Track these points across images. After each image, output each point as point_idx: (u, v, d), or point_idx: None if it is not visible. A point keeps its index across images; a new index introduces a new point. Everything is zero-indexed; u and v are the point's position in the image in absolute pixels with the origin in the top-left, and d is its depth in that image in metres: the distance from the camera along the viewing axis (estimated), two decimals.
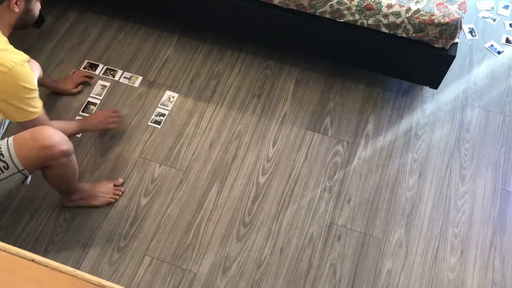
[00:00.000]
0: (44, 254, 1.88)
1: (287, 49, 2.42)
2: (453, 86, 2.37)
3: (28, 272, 0.97)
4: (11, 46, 1.39)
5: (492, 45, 2.53)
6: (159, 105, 2.26)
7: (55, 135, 1.59)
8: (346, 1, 1.96)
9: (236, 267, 1.88)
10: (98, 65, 2.38)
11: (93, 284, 0.97)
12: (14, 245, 1.54)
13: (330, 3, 1.99)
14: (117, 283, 1.81)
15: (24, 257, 0.99)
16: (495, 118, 2.28)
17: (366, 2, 1.95)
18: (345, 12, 2.00)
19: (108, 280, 1.69)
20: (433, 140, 2.21)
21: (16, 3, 1.36)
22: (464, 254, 1.93)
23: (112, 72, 2.37)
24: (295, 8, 2.07)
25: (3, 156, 1.54)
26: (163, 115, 2.22)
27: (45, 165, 1.63)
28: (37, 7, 1.46)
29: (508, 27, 2.60)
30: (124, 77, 2.35)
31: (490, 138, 2.22)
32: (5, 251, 1.00)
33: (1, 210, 1.99)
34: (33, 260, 0.98)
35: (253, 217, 1.98)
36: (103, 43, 2.46)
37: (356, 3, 1.96)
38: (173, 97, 2.28)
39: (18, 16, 1.40)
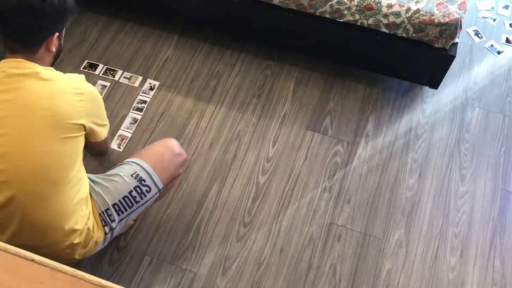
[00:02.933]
0: None
1: (287, 49, 2.42)
2: (453, 86, 2.37)
3: (28, 272, 0.97)
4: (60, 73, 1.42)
5: (492, 45, 2.53)
6: (140, 93, 2.26)
7: (178, 144, 1.73)
8: (346, 1, 1.96)
9: (236, 267, 1.88)
10: (98, 65, 2.38)
11: (93, 284, 0.97)
12: (14, 245, 1.54)
13: (330, 3, 1.99)
14: (117, 283, 1.81)
15: (24, 257, 0.99)
16: (495, 118, 2.28)
17: (366, 2, 1.95)
18: (345, 12, 2.00)
19: (108, 280, 1.69)
20: (433, 140, 2.21)
21: (53, 44, 1.39)
22: (464, 254, 1.93)
23: (112, 72, 2.37)
24: (295, 8, 2.07)
25: (144, 181, 1.58)
26: (144, 102, 2.24)
27: (174, 176, 1.69)
28: (63, 40, 1.50)
29: (508, 27, 2.60)
30: (124, 77, 2.35)
31: (490, 138, 2.22)
32: (5, 251, 1.00)
33: None
34: (33, 260, 0.98)
35: (253, 217, 1.98)
36: (103, 43, 2.46)
37: (356, 3, 1.96)
38: (155, 85, 2.29)
39: (54, 55, 1.43)
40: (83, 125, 1.39)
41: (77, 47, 2.45)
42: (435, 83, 2.19)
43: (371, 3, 1.95)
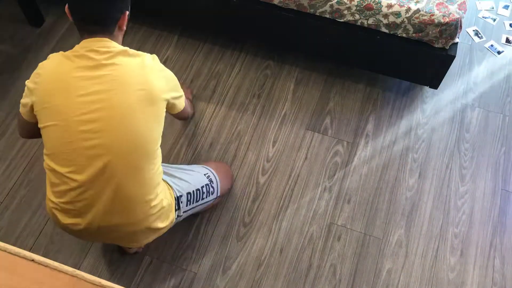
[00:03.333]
0: (44, 254, 1.88)
1: (287, 49, 2.42)
2: (453, 86, 2.37)
3: (28, 272, 0.98)
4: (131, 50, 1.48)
5: (492, 45, 2.53)
6: None
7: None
8: (346, 1, 1.96)
9: (236, 267, 1.88)
10: None
11: (93, 284, 0.97)
12: (14, 245, 1.54)
13: (330, 3, 1.99)
14: (117, 283, 1.81)
15: (24, 257, 0.99)
16: (495, 118, 2.28)
17: (366, 2, 1.95)
18: (345, 12, 2.00)
19: (108, 280, 1.68)
20: (433, 140, 2.21)
21: (124, 23, 1.45)
22: (464, 254, 1.93)
23: None
24: (295, 8, 2.07)
25: (212, 183, 1.77)
26: None
27: (221, 194, 1.85)
28: None
29: (508, 27, 2.60)
30: None
31: (490, 138, 2.22)
32: (5, 251, 1.00)
33: (1, 210, 1.99)
34: (33, 260, 0.98)
35: (253, 217, 1.98)
36: None
37: (356, 3, 1.96)
38: None
39: (123, 33, 1.50)
40: (167, 100, 1.47)
41: None
42: (435, 83, 2.19)
43: (371, 3, 1.95)
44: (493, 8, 2.67)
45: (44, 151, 1.42)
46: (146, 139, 1.40)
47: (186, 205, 1.64)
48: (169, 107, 1.53)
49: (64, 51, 1.44)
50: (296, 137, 2.19)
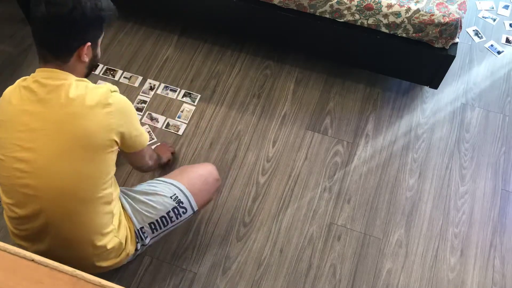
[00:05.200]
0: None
1: (287, 49, 2.42)
2: (453, 86, 2.37)
3: (28, 272, 0.98)
4: (91, 83, 1.38)
5: (492, 45, 2.53)
6: (140, 93, 2.26)
7: (217, 170, 1.79)
8: (346, 1, 1.96)
9: (236, 267, 1.88)
10: (98, 65, 2.38)
11: (93, 284, 0.97)
12: (14, 245, 1.54)
13: (330, 3, 1.99)
14: (117, 283, 1.81)
15: (24, 257, 0.99)
16: (495, 118, 2.28)
17: (366, 2, 1.95)
18: (345, 12, 2.00)
19: (108, 280, 1.69)
20: (433, 140, 2.21)
21: (85, 54, 1.35)
22: (464, 254, 1.93)
23: (112, 72, 2.37)
24: (295, 8, 2.07)
25: (182, 203, 1.62)
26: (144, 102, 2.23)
27: (209, 199, 1.75)
28: (99, 50, 1.45)
29: (508, 27, 2.60)
30: (124, 77, 2.35)
31: (490, 138, 2.22)
32: (5, 251, 1.00)
33: (1, 210, 1.98)
34: (33, 260, 0.98)
35: (253, 217, 1.98)
36: (103, 43, 2.46)
37: (356, 3, 1.96)
38: (155, 85, 2.29)
39: (87, 65, 1.40)
40: (114, 139, 1.34)
41: None
42: (435, 83, 2.19)
43: (371, 3, 1.95)
44: (493, 8, 2.67)
45: None
46: (78, 186, 1.31)
47: (153, 232, 1.58)
48: (121, 145, 1.40)
49: None
50: (296, 137, 2.19)
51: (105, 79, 2.33)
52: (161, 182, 1.65)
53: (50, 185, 1.30)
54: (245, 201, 2.02)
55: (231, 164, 2.11)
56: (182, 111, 2.24)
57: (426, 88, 2.35)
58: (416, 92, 2.35)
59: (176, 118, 2.22)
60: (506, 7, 2.67)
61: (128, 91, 2.30)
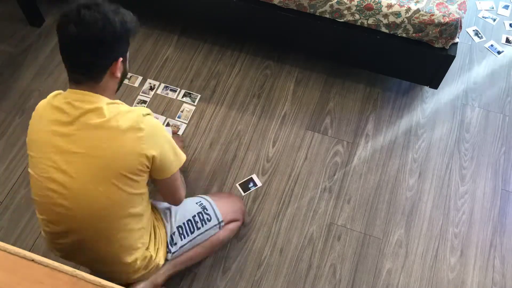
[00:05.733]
0: (44, 254, 1.88)
1: (287, 49, 2.42)
2: (453, 86, 2.37)
3: (28, 272, 0.97)
4: (125, 105, 1.35)
5: (492, 45, 2.53)
6: (140, 93, 2.26)
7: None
8: (346, 1, 1.96)
9: (236, 267, 1.88)
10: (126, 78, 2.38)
11: (93, 284, 0.97)
12: (14, 245, 1.54)
13: (330, 3, 1.99)
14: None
15: (24, 257, 0.99)
16: (495, 118, 2.28)
17: (366, 2, 1.95)
18: (345, 12, 2.00)
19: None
20: (433, 140, 2.21)
21: (118, 69, 1.32)
22: (464, 254, 1.93)
23: None
24: (295, 8, 2.07)
25: (206, 210, 1.67)
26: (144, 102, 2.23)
27: (234, 218, 1.78)
28: (128, 62, 1.43)
29: (508, 27, 2.60)
30: None
31: (490, 138, 2.22)
32: (5, 251, 1.00)
33: (1, 210, 1.99)
34: (33, 260, 0.98)
35: (253, 217, 1.98)
36: None
37: (356, 3, 1.96)
38: (154, 85, 2.29)
39: (119, 80, 1.37)
40: (145, 164, 1.30)
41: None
42: (435, 83, 2.19)
43: (371, 3, 1.95)
44: (493, 8, 2.67)
45: None
46: (110, 208, 1.31)
47: (181, 239, 1.59)
48: (152, 169, 1.34)
49: None
50: (296, 137, 2.19)
51: None
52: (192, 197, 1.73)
53: (83, 207, 1.30)
54: (245, 201, 2.02)
55: (231, 164, 2.11)
56: (182, 111, 2.24)
57: (426, 88, 2.35)
58: (416, 92, 2.35)
59: (176, 118, 2.22)
60: (506, 7, 2.67)
61: (128, 91, 2.30)
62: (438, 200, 2.05)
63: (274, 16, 2.11)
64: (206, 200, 1.70)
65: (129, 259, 1.43)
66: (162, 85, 2.32)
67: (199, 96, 2.29)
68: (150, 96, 2.28)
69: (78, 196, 1.29)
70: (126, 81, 2.33)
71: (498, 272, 1.89)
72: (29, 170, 1.36)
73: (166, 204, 1.62)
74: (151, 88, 2.31)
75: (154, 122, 1.34)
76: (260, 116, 2.25)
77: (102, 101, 1.28)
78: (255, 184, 2.05)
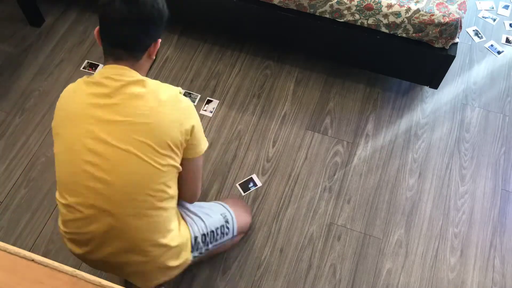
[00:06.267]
0: (44, 254, 1.88)
1: (287, 49, 2.42)
2: (453, 86, 2.37)
3: (28, 272, 0.98)
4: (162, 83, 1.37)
5: (492, 45, 2.53)
6: None
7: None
8: (346, 1, 1.96)
9: (236, 267, 1.88)
10: (98, 65, 2.39)
11: (93, 284, 0.97)
12: (14, 245, 1.54)
13: (330, 3, 1.99)
14: (118, 283, 1.81)
15: (24, 257, 0.99)
16: (495, 118, 2.28)
17: (366, 2, 1.95)
18: (345, 12, 2.00)
19: (108, 280, 1.69)
20: (433, 140, 2.21)
21: (155, 51, 1.35)
22: (464, 254, 1.93)
23: None
24: (295, 8, 2.07)
25: (228, 223, 1.66)
26: None
27: (239, 232, 1.77)
28: None
29: (508, 27, 2.60)
30: None
31: (490, 138, 2.22)
32: (5, 251, 1.00)
33: (1, 210, 1.99)
34: (33, 260, 0.98)
35: (253, 217, 1.98)
36: None
37: (356, 3, 1.96)
38: None
39: (153, 61, 1.40)
40: (184, 137, 1.32)
41: (77, 47, 2.45)
42: (435, 83, 2.19)
43: (371, 3, 1.95)
44: (493, 8, 2.67)
45: (56, 178, 1.37)
46: (151, 181, 1.29)
47: (202, 246, 1.58)
48: (187, 145, 1.37)
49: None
50: (296, 137, 2.19)
51: None
52: (211, 202, 1.70)
53: (122, 178, 1.27)
54: (245, 201, 2.02)
55: (231, 164, 2.11)
56: None
57: (426, 88, 2.35)
58: (416, 92, 2.35)
59: None
60: (506, 7, 2.67)
61: None
62: (438, 200, 2.05)
63: (274, 16, 2.11)
64: (229, 212, 1.69)
65: (165, 239, 1.38)
66: None
67: (199, 96, 2.29)
68: None
69: (118, 166, 1.26)
70: None
71: (498, 272, 1.89)
72: (56, 149, 1.32)
73: (191, 208, 1.58)
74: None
75: (189, 100, 1.38)
76: (260, 116, 2.25)
77: (140, 76, 1.31)
78: (255, 184, 2.05)
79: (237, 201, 1.86)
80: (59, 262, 1.01)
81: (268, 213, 1.99)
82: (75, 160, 1.28)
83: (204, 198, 2.02)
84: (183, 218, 1.52)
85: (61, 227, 1.39)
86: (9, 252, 1.00)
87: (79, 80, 1.33)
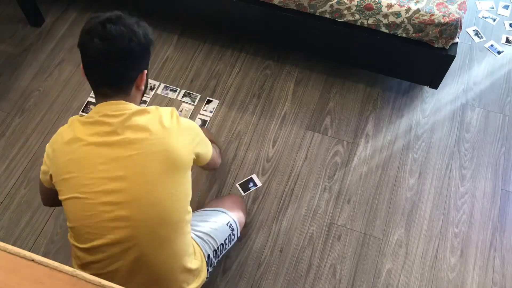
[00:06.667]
0: (44, 254, 1.88)
1: (287, 49, 2.42)
2: (453, 86, 2.37)
3: (28, 272, 0.97)
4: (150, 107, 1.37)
5: (492, 45, 2.53)
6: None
7: None
8: (346, 1, 1.96)
9: (236, 267, 1.88)
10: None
11: (93, 284, 0.97)
12: (14, 245, 1.54)
13: (330, 3, 1.99)
14: None
15: (24, 257, 0.99)
16: (495, 118, 2.28)
17: (366, 2, 1.95)
18: (345, 12, 2.00)
19: None
20: (433, 140, 2.21)
21: (142, 81, 1.33)
22: (464, 254, 1.93)
23: None
24: (295, 8, 2.07)
25: (233, 231, 1.68)
26: None
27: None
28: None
29: (508, 27, 2.60)
30: None
31: (490, 138, 2.22)
32: (5, 251, 1.00)
33: (1, 210, 1.99)
34: (33, 260, 0.98)
35: (253, 217, 1.98)
36: None
37: (356, 3, 1.96)
38: (154, 85, 2.29)
39: (143, 92, 1.38)
40: (193, 157, 1.35)
41: (77, 47, 2.45)
42: (435, 83, 2.19)
43: (371, 3, 1.95)
44: (493, 8, 2.67)
45: (67, 223, 1.32)
46: (171, 210, 1.29)
47: (214, 260, 1.59)
48: (195, 160, 1.41)
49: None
50: (296, 137, 2.19)
51: None
52: (214, 210, 1.69)
53: (146, 211, 1.24)
54: (245, 201, 2.02)
55: (231, 164, 2.11)
56: (181, 111, 2.24)
57: (426, 88, 2.35)
58: (416, 92, 2.35)
59: None
60: (506, 7, 2.67)
61: None
62: (438, 200, 2.05)
63: (274, 16, 2.11)
64: (232, 219, 1.69)
65: (190, 263, 1.38)
66: (162, 85, 2.32)
67: (199, 96, 2.29)
68: (150, 96, 2.28)
69: (139, 201, 1.24)
70: None
71: (498, 272, 1.89)
72: (64, 196, 1.27)
73: (198, 228, 1.58)
74: (151, 88, 2.31)
75: (185, 119, 1.39)
76: (260, 116, 2.25)
77: (136, 107, 1.29)
78: (255, 184, 2.05)
79: (235, 200, 1.86)
80: (59, 262, 1.01)
81: (268, 213, 1.99)
82: (91, 203, 1.24)
83: (204, 198, 2.02)
84: (193, 239, 1.51)
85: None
86: (9, 252, 1.00)
87: (73, 120, 1.30)
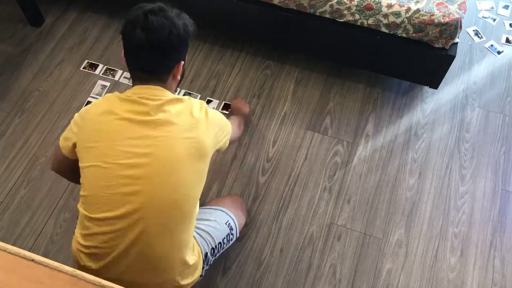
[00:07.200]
0: (44, 254, 1.88)
1: (287, 49, 2.42)
2: (453, 86, 2.37)
3: (28, 272, 0.97)
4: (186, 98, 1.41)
5: (492, 45, 2.53)
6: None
7: None
8: (346, 1, 1.96)
9: (236, 267, 1.88)
10: (98, 65, 2.39)
11: (93, 284, 0.97)
12: (14, 245, 1.54)
13: (330, 3, 1.99)
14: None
15: (24, 257, 0.99)
16: (495, 118, 2.28)
17: (366, 2, 1.95)
18: (345, 12, 2.00)
19: None
20: (433, 140, 2.21)
21: (179, 72, 1.39)
22: (464, 254, 1.93)
23: (112, 72, 2.37)
24: (295, 8, 2.07)
25: (232, 230, 1.68)
26: None
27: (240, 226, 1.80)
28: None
29: (508, 27, 2.60)
30: (124, 77, 2.35)
31: (490, 138, 2.22)
32: (5, 251, 1.00)
33: (1, 210, 1.99)
34: (33, 260, 0.98)
35: (253, 217, 1.98)
36: (103, 43, 2.46)
37: (356, 3, 1.96)
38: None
39: (178, 81, 1.45)
40: (212, 150, 1.40)
41: (77, 47, 2.45)
42: (435, 83, 2.19)
43: (371, 3, 1.95)
44: (493, 8, 2.67)
45: (81, 191, 1.34)
46: (185, 197, 1.32)
47: (211, 258, 1.59)
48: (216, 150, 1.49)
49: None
50: (296, 137, 2.19)
51: (105, 79, 2.33)
52: (214, 209, 1.70)
53: (163, 191, 1.27)
54: (245, 201, 2.02)
55: (231, 164, 2.11)
56: None
57: (426, 88, 2.35)
58: (416, 92, 2.35)
59: None
60: (506, 7, 2.67)
61: None
62: (438, 200, 2.05)
63: (274, 16, 2.11)
64: (231, 218, 1.70)
65: (188, 256, 1.39)
66: None
67: (199, 96, 2.29)
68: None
69: (160, 176, 1.27)
70: (126, 81, 2.33)
71: (498, 272, 1.89)
72: (86, 164, 1.31)
73: (199, 226, 1.58)
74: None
75: (211, 109, 1.44)
76: (260, 116, 2.25)
77: (174, 95, 1.36)
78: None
79: (235, 200, 1.86)
80: (59, 262, 1.01)
81: (268, 213, 1.99)
82: (112, 174, 1.27)
83: (204, 198, 2.02)
84: (194, 237, 1.52)
85: (81, 241, 1.35)
86: (9, 252, 1.00)
87: (111, 96, 1.35)
